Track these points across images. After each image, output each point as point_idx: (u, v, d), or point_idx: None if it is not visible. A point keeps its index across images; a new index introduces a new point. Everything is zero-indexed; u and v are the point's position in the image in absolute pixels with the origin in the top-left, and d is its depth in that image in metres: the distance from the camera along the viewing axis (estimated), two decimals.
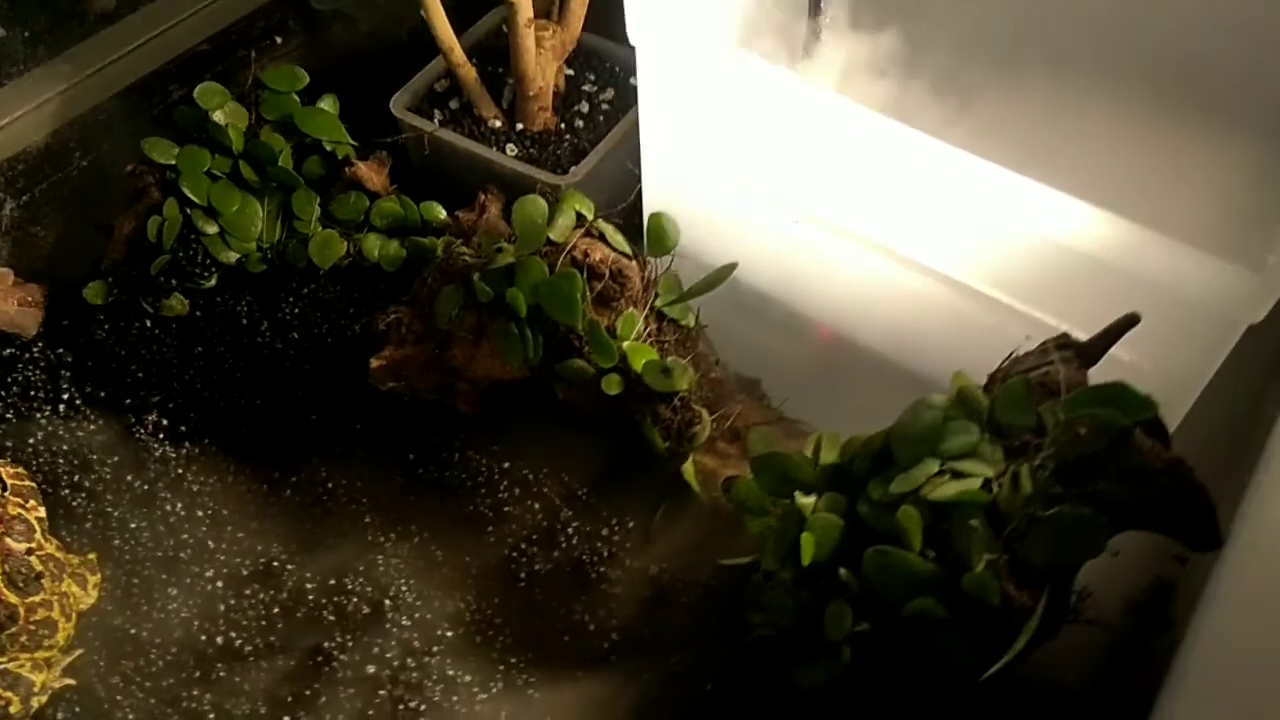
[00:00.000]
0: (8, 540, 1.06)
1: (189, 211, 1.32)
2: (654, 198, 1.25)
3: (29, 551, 1.07)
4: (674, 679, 1.07)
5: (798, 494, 0.98)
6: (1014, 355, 0.98)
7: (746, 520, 1.09)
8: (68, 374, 1.29)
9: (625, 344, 1.14)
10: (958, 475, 0.92)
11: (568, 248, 1.14)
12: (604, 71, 1.46)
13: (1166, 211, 0.91)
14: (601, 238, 1.17)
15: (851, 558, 0.96)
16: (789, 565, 1.01)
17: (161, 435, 1.25)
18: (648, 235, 1.18)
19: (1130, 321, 0.91)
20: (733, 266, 1.16)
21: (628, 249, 1.18)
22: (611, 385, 1.15)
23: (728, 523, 1.15)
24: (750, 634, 1.06)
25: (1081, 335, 0.96)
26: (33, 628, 1.05)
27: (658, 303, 1.19)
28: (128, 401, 1.27)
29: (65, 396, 1.27)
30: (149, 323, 1.33)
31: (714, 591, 1.13)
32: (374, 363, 1.21)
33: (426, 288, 1.21)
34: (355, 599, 1.12)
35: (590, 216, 1.18)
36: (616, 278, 1.14)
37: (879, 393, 1.20)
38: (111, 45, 1.45)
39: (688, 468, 1.17)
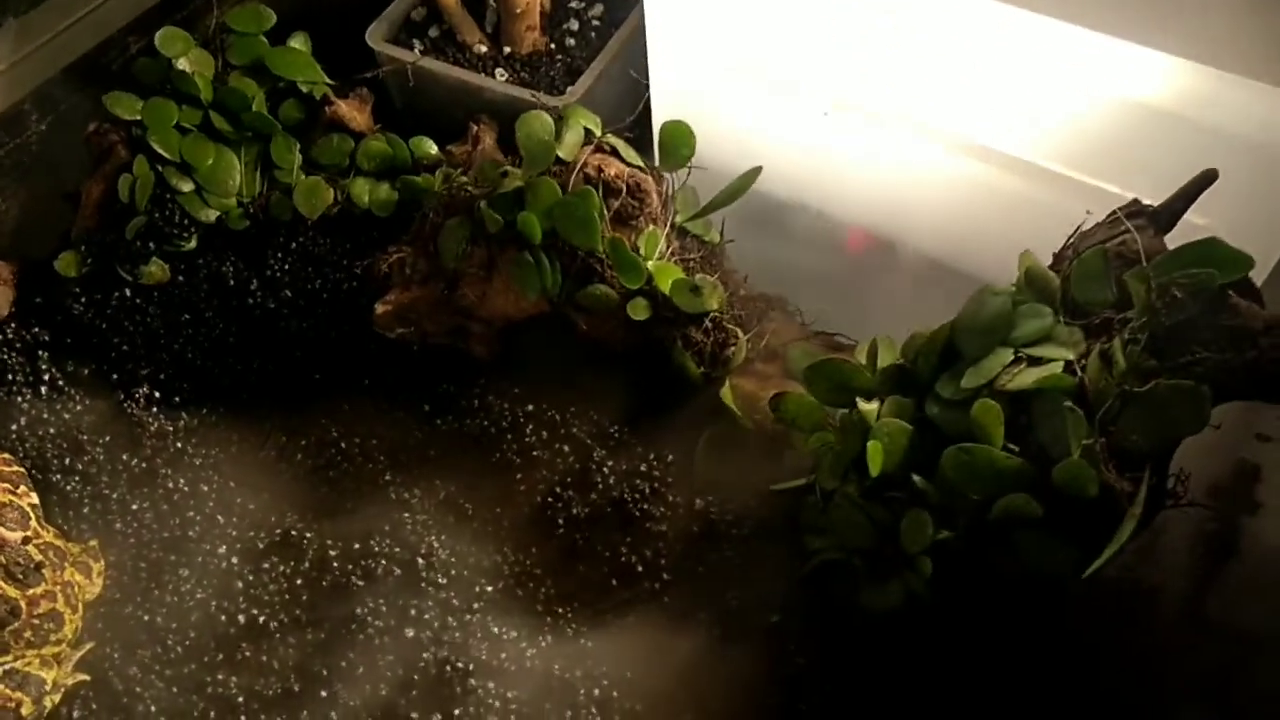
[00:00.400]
0: (1, 529, 0.97)
1: (160, 169, 1.22)
2: (664, 107, 1.16)
3: (25, 540, 0.98)
4: (734, 615, 1.00)
5: (860, 401, 0.90)
6: (1079, 231, 0.91)
7: (797, 439, 1.01)
8: (46, 354, 1.20)
9: (650, 264, 1.06)
10: (1035, 362, 0.85)
11: (578, 165, 1.06)
12: None
13: (1241, 53, 0.83)
14: (614, 153, 1.09)
15: (924, 463, 0.88)
16: (852, 480, 0.94)
17: (155, 409, 1.16)
18: (660, 146, 1.10)
19: (1208, 179, 0.84)
20: (757, 171, 1.07)
21: (641, 163, 1.10)
22: (638, 310, 1.07)
23: (774, 446, 1.07)
24: (812, 560, 0.99)
25: (1151, 202, 0.88)
26: (37, 622, 0.97)
27: (678, 219, 1.11)
28: (115, 376, 1.18)
29: (46, 377, 1.18)
30: (129, 292, 1.23)
31: (767, 520, 1.06)
32: (379, 308, 1.12)
33: (428, 224, 1.12)
34: (384, 561, 1.04)
35: (599, 132, 1.10)
36: (634, 193, 1.06)
37: (922, 296, 1.14)
38: (63, 12, 1.35)
39: (726, 392, 1.09)
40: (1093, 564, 0.79)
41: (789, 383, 1.08)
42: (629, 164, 1.08)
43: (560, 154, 1.06)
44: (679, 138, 1.08)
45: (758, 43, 1.05)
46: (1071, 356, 0.84)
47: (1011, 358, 0.86)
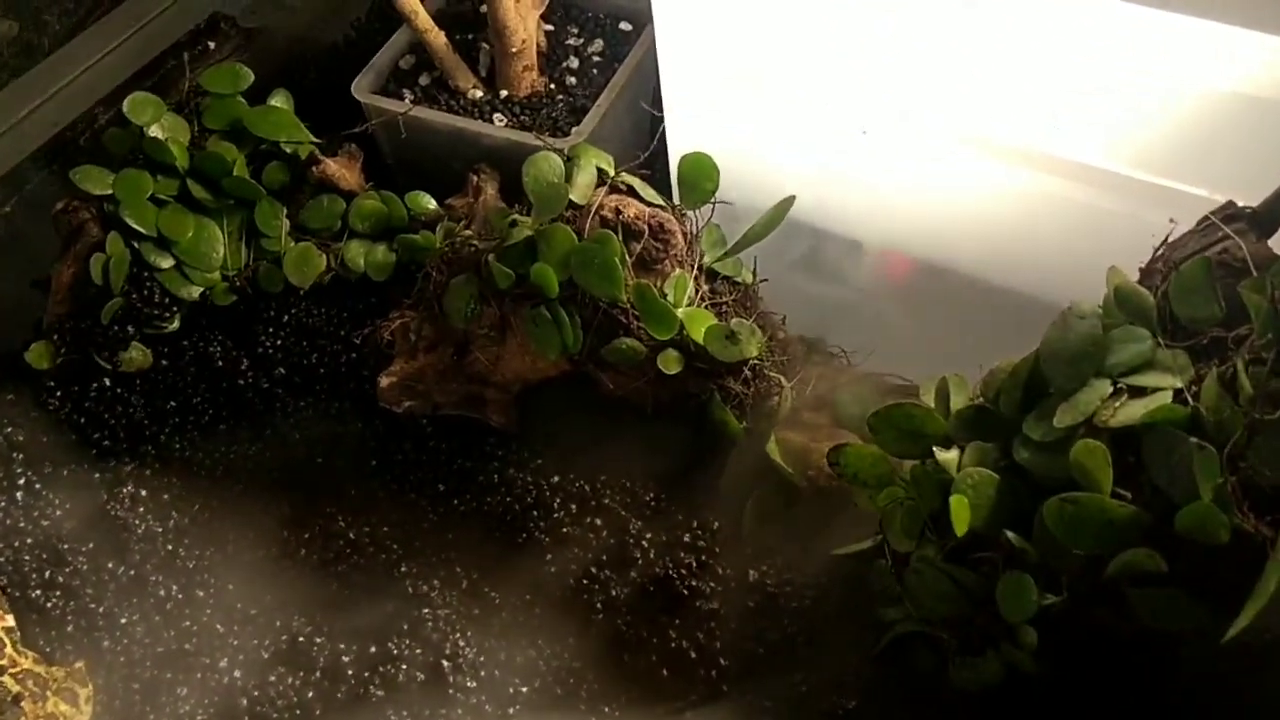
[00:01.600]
0: None
1: (136, 245, 1.13)
2: (680, 139, 1.06)
3: (0, 670, 0.87)
4: (805, 701, 0.89)
5: (937, 450, 0.79)
6: (1168, 241, 0.81)
7: (860, 496, 0.90)
8: (20, 455, 1.09)
9: (679, 311, 0.95)
10: (1137, 393, 0.75)
11: (594, 208, 0.96)
12: (586, 22, 1.28)
13: None
14: (631, 192, 0.99)
15: (1016, 517, 0.77)
16: (930, 541, 0.83)
17: (141, 509, 1.05)
18: (680, 181, 1.00)
19: None
20: (790, 201, 0.98)
21: (661, 202, 1.00)
22: (670, 363, 0.96)
23: (831, 505, 0.96)
24: (888, 634, 0.88)
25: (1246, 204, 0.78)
26: None
27: (705, 260, 1.01)
28: (96, 476, 1.08)
29: (21, 481, 1.07)
30: (108, 381, 1.13)
31: (830, 590, 0.94)
32: (383, 380, 1.02)
33: (432, 284, 1.02)
34: (405, 665, 0.93)
35: (612, 171, 1.00)
36: (658, 234, 0.96)
37: (978, 326, 1.03)
38: (26, 95, 1.26)
39: (772, 447, 0.98)
40: (1236, 623, 0.67)
41: (841, 433, 0.98)
42: (649, 203, 0.99)
43: (573, 197, 0.96)
44: (701, 171, 0.98)
45: (780, 61, 0.96)
46: (1180, 384, 0.73)
47: (1110, 389, 0.75)
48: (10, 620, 0.92)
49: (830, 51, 0.92)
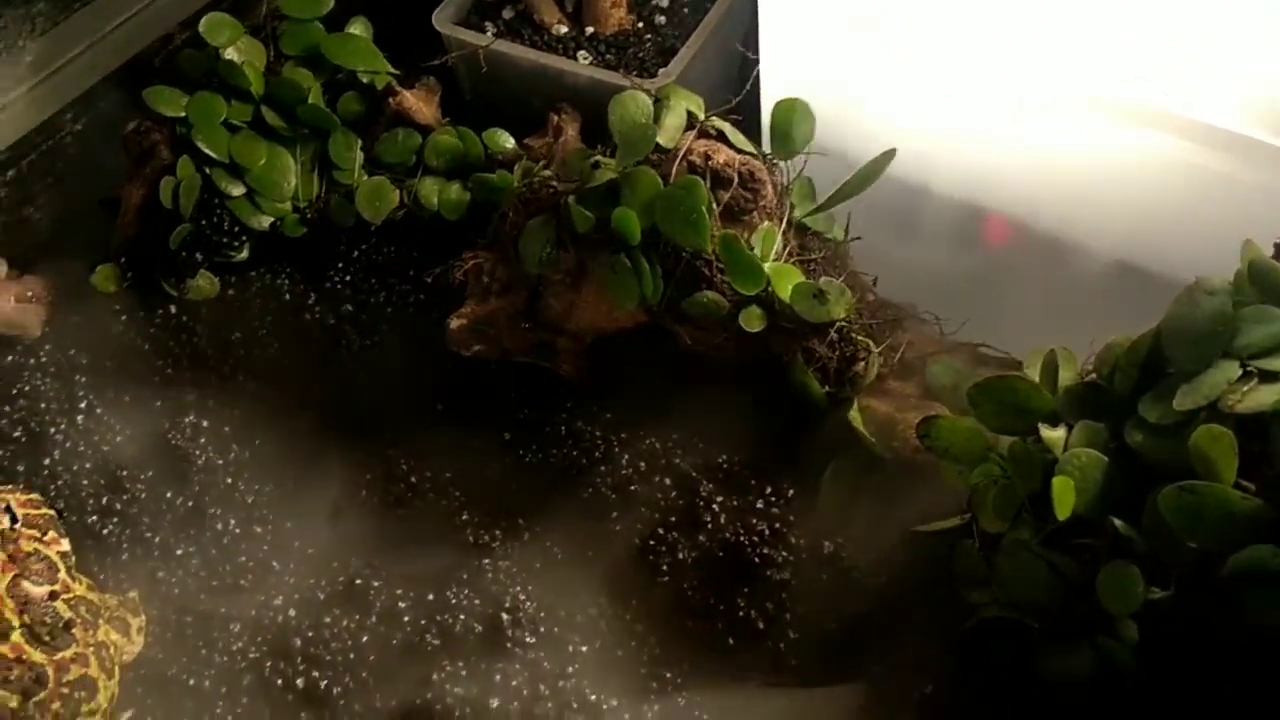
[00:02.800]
0: (24, 584, 0.84)
1: (208, 171, 1.10)
2: (776, 84, 1.01)
3: (53, 596, 0.86)
4: (878, 684, 0.85)
5: (1042, 427, 0.74)
6: None
7: (948, 472, 0.85)
8: (83, 378, 1.08)
9: (766, 266, 0.90)
10: (1268, 377, 0.69)
11: (681, 152, 0.91)
12: None
13: None
14: (721, 138, 0.94)
15: (1123, 503, 0.72)
16: (1025, 523, 0.78)
17: (203, 440, 1.03)
18: (772, 130, 0.95)
19: None
20: (890, 154, 0.92)
21: (752, 149, 0.95)
22: (752, 320, 0.91)
23: (915, 479, 0.92)
24: (971, 618, 0.83)
25: None
26: (66, 690, 0.84)
27: (796, 214, 0.96)
28: (158, 404, 1.06)
29: (83, 405, 1.06)
30: (174, 308, 1.11)
31: (910, 568, 0.90)
32: (452, 322, 0.98)
33: (507, 225, 0.98)
34: (463, 616, 0.90)
35: (702, 115, 0.95)
36: (747, 183, 0.91)
37: (1086, 299, 0.97)
38: (104, 15, 1.23)
39: (855, 414, 0.94)
40: None
41: (930, 404, 0.92)
42: (739, 150, 0.93)
43: (660, 140, 0.92)
44: (795, 118, 0.93)
45: (897, 7, 0.90)
46: None
47: (1238, 372, 0.69)
48: (65, 545, 0.90)
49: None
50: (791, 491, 0.95)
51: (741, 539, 0.92)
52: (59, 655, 0.84)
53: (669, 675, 0.87)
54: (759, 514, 0.94)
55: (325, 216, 1.13)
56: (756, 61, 1.03)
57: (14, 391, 1.07)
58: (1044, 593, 0.76)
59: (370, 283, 1.12)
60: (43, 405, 1.06)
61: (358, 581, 0.94)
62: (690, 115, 0.95)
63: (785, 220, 0.95)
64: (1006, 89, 0.88)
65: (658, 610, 0.91)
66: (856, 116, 0.99)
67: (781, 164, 0.97)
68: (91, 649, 0.86)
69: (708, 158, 0.91)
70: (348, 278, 1.13)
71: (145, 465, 1.02)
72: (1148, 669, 0.73)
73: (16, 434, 1.04)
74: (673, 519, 0.95)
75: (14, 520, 0.87)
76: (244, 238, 1.12)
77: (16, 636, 0.83)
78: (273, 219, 1.12)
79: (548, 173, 0.99)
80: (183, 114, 1.10)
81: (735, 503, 0.95)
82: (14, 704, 0.82)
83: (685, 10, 1.17)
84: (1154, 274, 0.91)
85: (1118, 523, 0.71)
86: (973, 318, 0.99)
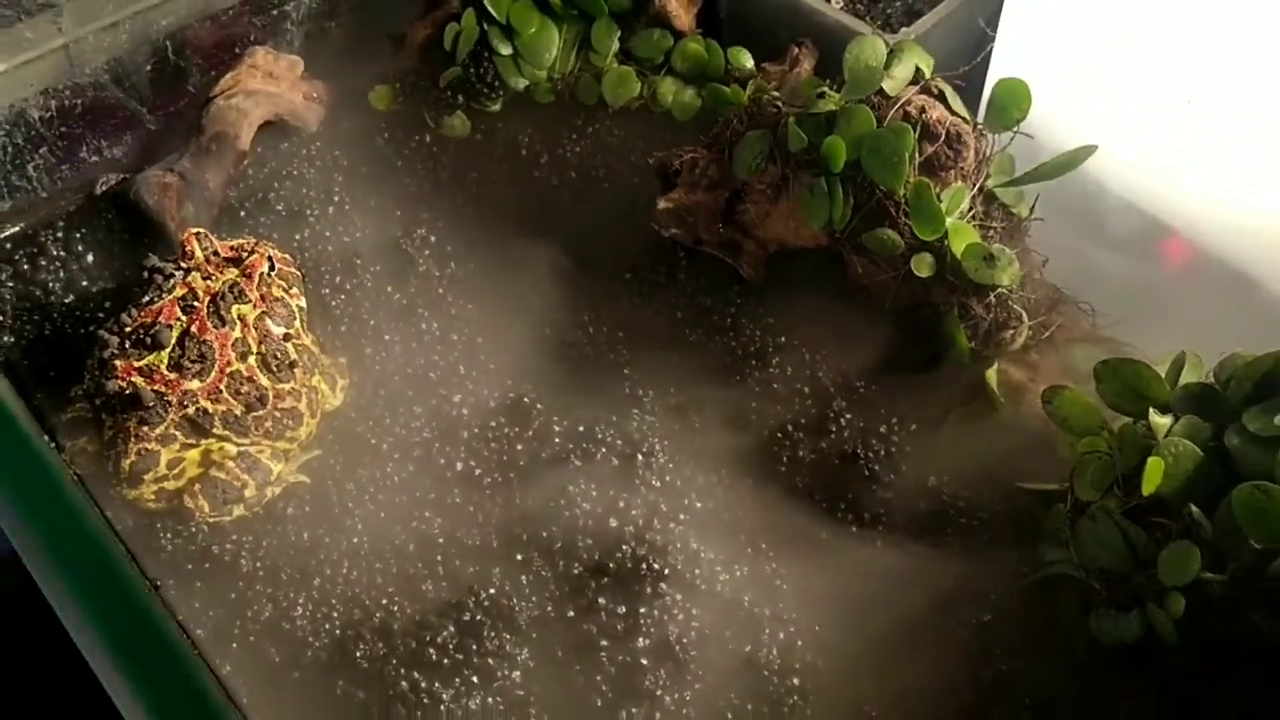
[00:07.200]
0: (268, 321, 1.02)
1: (486, 27, 1.25)
2: (1004, 63, 1.08)
3: (286, 337, 1.03)
4: (944, 602, 0.94)
5: (1153, 412, 0.82)
6: None
7: (1061, 440, 0.94)
8: (341, 177, 1.25)
9: (948, 220, 0.99)
10: None
11: (900, 101, 1.00)
12: None
13: None
14: (940, 98, 1.03)
15: (1206, 496, 0.80)
16: (1115, 496, 0.86)
17: (427, 252, 1.19)
18: (990, 103, 1.03)
19: None
20: (1090, 150, 0.99)
21: (966, 115, 1.03)
22: (922, 266, 1.01)
23: (1029, 442, 1.00)
24: (1042, 570, 0.92)
25: None
26: (279, 415, 1.01)
27: (989, 183, 1.04)
28: (398, 213, 1.22)
29: (336, 198, 1.23)
30: (428, 138, 1.27)
31: (1003, 517, 0.99)
32: (661, 203, 1.11)
33: (730, 131, 1.09)
34: (604, 449, 1.03)
35: (929, 73, 1.04)
36: (952, 143, 1.00)
37: (1238, 329, 1.02)
38: None
39: (991, 373, 1.02)
40: None
41: (1064, 383, 1.00)
42: (954, 112, 1.02)
43: (885, 86, 1.01)
44: (1014, 97, 1.01)
45: (1135, 17, 0.96)
46: None
47: None
48: (303, 302, 1.07)
49: (1198, 27, 0.92)
50: (914, 426, 1.04)
51: (858, 453, 1.02)
52: (280, 386, 1.01)
53: (764, 547, 0.98)
54: (880, 437, 1.04)
55: (572, 91, 1.27)
56: (994, 39, 1.11)
57: (284, 173, 1.25)
58: (1113, 557, 0.84)
59: (596, 157, 1.25)
60: (304, 190, 1.23)
61: (525, 400, 1.08)
62: (919, 71, 1.03)
63: (978, 186, 1.03)
64: (1232, 117, 0.93)
65: (769, 492, 1.02)
66: (1074, 111, 1.05)
67: (990, 135, 1.04)
68: (305, 390, 1.03)
69: (923, 111, 1.00)
70: (577, 149, 1.26)
71: (376, 260, 1.18)
72: (1187, 646, 0.81)
73: (279, 207, 1.22)
74: (803, 421, 1.05)
75: (272, 268, 1.04)
76: (501, 92, 1.27)
77: (253, 360, 1.01)
78: (528, 82, 1.26)
79: (776, 95, 1.10)
80: None
81: (861, 423, 1.05)
82: (239, 412, 0.99)
83: None
84: None
85: (1194, 509, 0.78)
86: (1129, 320, 1.05)
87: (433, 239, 1.20)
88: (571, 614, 0.94)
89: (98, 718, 0.73)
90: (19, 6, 1.18)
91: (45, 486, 0.85)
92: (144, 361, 0.97)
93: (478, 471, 1.04)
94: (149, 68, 1.25)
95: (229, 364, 0.99)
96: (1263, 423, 0.77)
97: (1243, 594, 0.77)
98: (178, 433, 0.98)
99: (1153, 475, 0.79)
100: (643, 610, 0.93)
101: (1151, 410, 0.82)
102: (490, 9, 1.24)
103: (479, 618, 0.93)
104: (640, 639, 0.92)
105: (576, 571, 0.96)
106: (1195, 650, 0.81)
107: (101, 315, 1.11)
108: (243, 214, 1.20)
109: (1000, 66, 1.09)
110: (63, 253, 1.16)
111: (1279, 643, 0.77)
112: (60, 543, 0.80)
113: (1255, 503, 0.74)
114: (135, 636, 0.75)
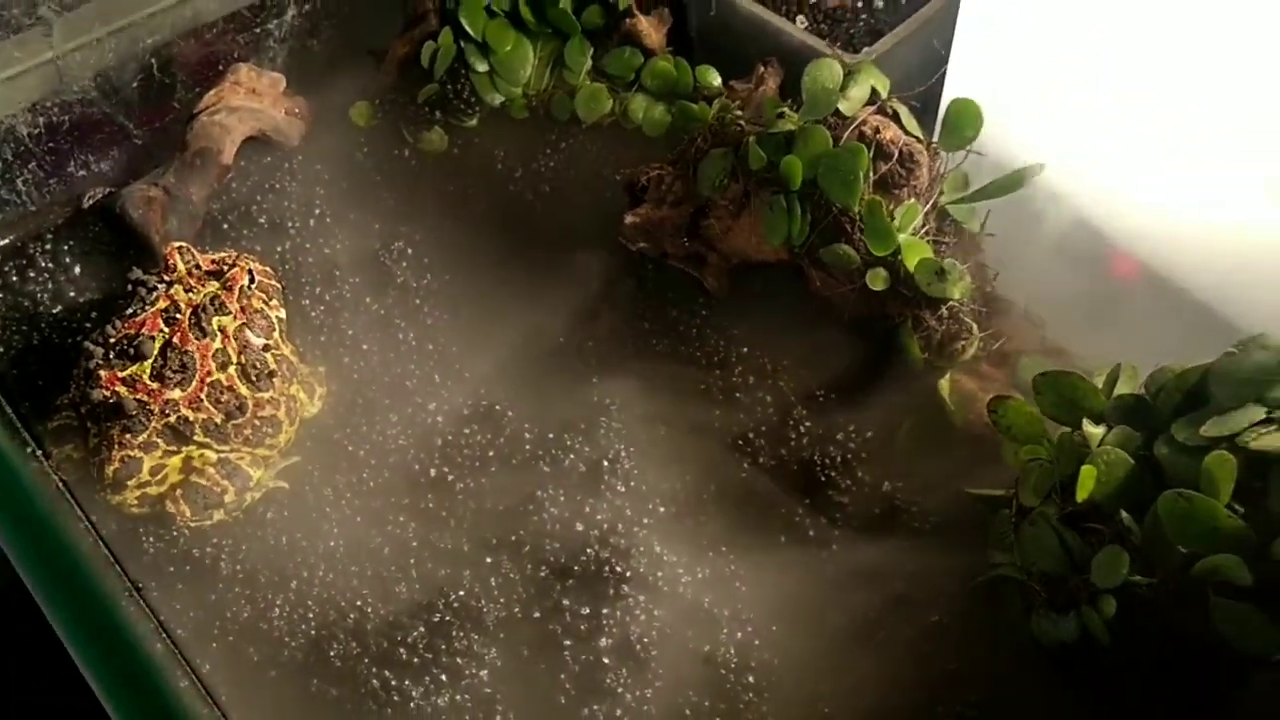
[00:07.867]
0: (248, 333, 1.06)
1: (463, 45, 1.29)
2: (958, 83, 1.12)
3: (266, 348, 1.07)
4: (897, 602, 0.98)
5: (1086, 422, 0.86)
6: None
7: (1006, 448, 0.98)
8: (322, 190, 1.28)
9: (901, 237, 1.03)
10: None
11: (856, 122, 1.05)
12: None
13: None
14: (895, 118, 1.07)
15: (1136, 503, 0.84)
16: (1054, 502, 0.90)
17: (405, 264, 1.23)
18: (944, 122, 1.07)
19: None
20: (1039, 168, 1.03)
21: (920, 134, 1.07)
22: (877, 280, 1.05)
23: (978, 450, 1.04)
24: (989, 573, 0.96)
25: None
26: (258, 423, 1.05)
27: (942, 199, 1.08)
28: (377, 226, 1.26)
29: (317, 211, 1.26)
30: (407, 152, 1.31)
31: (953, 522, 1.03)
32: (628, 218, 1.15)
33: (694, 148, 1.14)
34: (572, 456, 1.07)
35: (885, 94, 1.08)
36: (905, 161, 1.04)
37: (1176, 340, 1.06)
38: None
39: (944, 384, 1.07)
40: None
41: (1011, 392, 1.04)
42: (907, 132, 1.06)
43: (841, 107, 1.05)
44: (966, 117, 1.05)
45: (1081, 39, 1.00)
46: None
47: (1262, 416, 0.80)
48: (282, 313, 1.11)
49: (1148, 53, 0.96)
50: (870, 433, 1.08)
51: (816, 460, 1.06)
52: (259, 395, 1.05)
53: (724, 550, 1.02)
54: (837, 444, 1.08)
55: (547, 107, 1.31)
56: (948, 60, 1.15)
57: (266, 186, 1.28)
58: (1051, 561, 0.88)
59: (569, 172, 1.29)
60: (286, 204, 1.27)
61: (496, 407, 1.12)
62: (874, 92, 1.08)
63: (932, 203, 1.07)
64: (1180, 140, 0.97)
65: (730, 497, 1.06)
66: (1025, 132, 1.09)
67: (943, 154, 1.09)
68: (284, 399, 1.07)
69: (877, 131, 1.04)
70: (551, 164, 1.30)
71: (354, 272, 1.22)
72: (1119, 646, 0.85)
73: (261, 220, 1.25)
74: (763, 428, 1.09)
75: (252, 281, 1.08)
76: (477, 108, 1.31)
77: (233, 371, 1.04)
78: (504, 98, 1.30)
79: (741, 114, 1.14)
80: None
81: (820, 430, 1.09)
82: (219, 420, 1.03)
83: (903, 1, 1.28)
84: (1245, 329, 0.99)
85: (1125, 515, 0.83)
86: (1080, 334, 1.10)
87: (410, 251, 1.24)
88: (538, 615, 0.98)
89: (98, 718, 0.76)
90: (8, 25, 1.21)
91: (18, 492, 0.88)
92: (127, 371, 1.01)
93: (450, 477, 1.07)
94: (135, 84, 1.28)
95: (209, 374, 1.03)
96: (1189, 433, 0.81)
97: (1169, 596, 0.81)
98: (160, 440, 1.02)
99: (1085, 482, 0.83)
100: (606, 611, 0.97)
101: (1085, 420, 0.86)
102: (467, 27, 1.28)
103: (448, 618, 0.97)
104: (603, 639, 0.96)
105: (543, 574, 1.00)
106: (1126, 649, 0.85)
107: (88, 326, 1.15)
108: (225, 227, 1.24)
109: (954, 86, 1.13)
110: (51, 265, 1.20)
111: (1202, 641, 0.81)
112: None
113: (1179, 509, 0.78)
114: (102, 642, 0.78)
